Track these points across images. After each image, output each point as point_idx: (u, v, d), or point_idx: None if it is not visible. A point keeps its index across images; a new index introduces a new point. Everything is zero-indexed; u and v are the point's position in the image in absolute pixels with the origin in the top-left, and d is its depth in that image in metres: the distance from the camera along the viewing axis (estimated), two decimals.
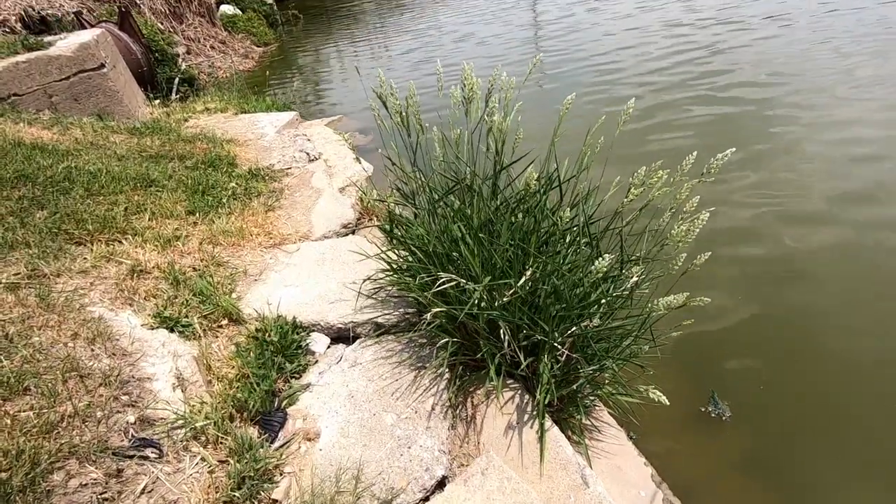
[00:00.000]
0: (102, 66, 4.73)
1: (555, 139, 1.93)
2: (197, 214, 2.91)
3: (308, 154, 4.10)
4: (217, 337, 2.12)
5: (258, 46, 13.22)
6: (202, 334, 2.09)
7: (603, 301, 1.62)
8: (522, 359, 1.65)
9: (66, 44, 4.58)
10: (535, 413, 1.72)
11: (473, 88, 1.75)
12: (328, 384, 1.91)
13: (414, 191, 2.14)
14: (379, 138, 6.34)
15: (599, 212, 1.98)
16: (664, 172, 1.49)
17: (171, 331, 2.03)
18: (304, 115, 7.19)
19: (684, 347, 2.51)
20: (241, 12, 14.66)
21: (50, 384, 1.48)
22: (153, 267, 2.31)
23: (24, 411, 1.38)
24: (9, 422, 1.33)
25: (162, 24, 10.39)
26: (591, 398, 1.89)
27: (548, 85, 6.81)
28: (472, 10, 12.96)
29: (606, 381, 1.78)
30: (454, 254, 1.78)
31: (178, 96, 9.21)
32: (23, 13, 8.42)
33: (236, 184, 3.48)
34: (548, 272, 1.65)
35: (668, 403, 1.32)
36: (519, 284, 1.58)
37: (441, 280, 1.59)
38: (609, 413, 2.03)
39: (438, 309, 1.61)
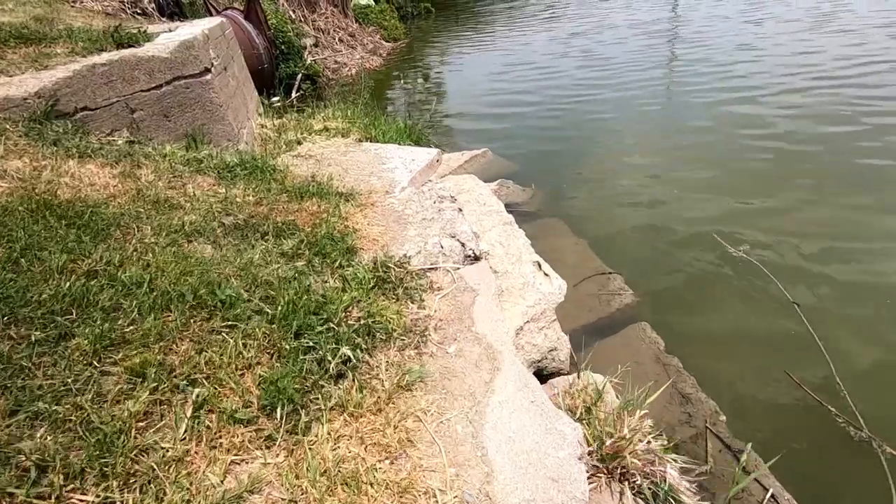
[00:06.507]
0: (207, 70, 3.61)
1: None
2: (279, 411, 1.52)
3: (463, 244, 2.62)
4: None
5: (387, 41, 12.21)
6: None
7: None
8: None
9: (165, 40, 3.50)
10: None
11: None
12: None
13: None
14: (543, 195, 4.81)
15: None
16: None
17: None
18: (439, 142, 5.81)
19: None
20: (374, 3, 13.79)
21: None
22: None
23: None
24: None
25: (294, 12, 9.61)
26: None
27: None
28: (605, 17, 10.85)
29: None
30: None
31: (297, 94, 8.32)
32: None
33: (353, 306, 2.08)
34: None
35: None
36: None
37: None
38: None
39: None
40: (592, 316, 2.75)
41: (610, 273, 3.06)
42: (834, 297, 2.72)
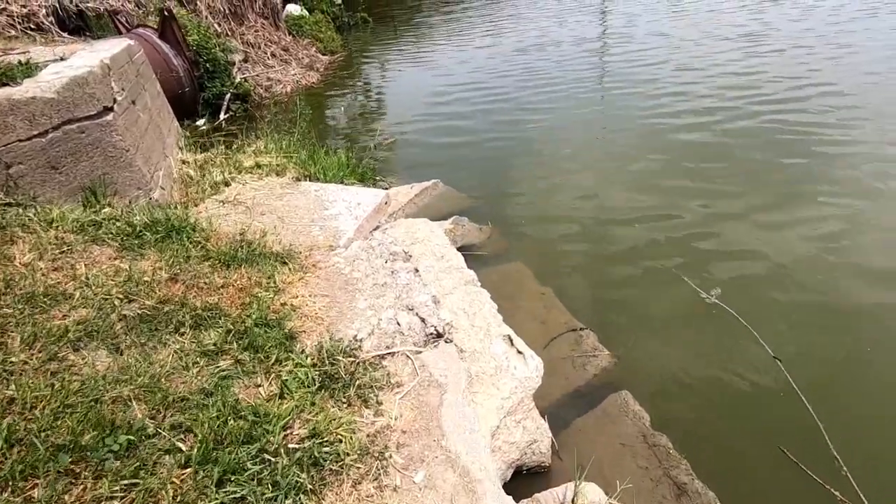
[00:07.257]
0: (107, 109, 3.06)
1: None
2: None
3: (423, 319, 2.27)
4: None
5: (324, 55, 11.64)
6: None
7: None
8: None
9: (52, 75, 2.92)
10: None
11: None
12: None
13: None
14: (500, 234, 4.53)
15: None
16: None
17: None
18: (384, 170, 5.43)
19: None
20: (308, 13, 13.18)
21: None
22: None
23: None
24: None
25: (219, 25, 8.89)
26: None
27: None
28: (546, 33, 10.88)
29: None
30: None
31: (227, 116, 7.66)
32: (56, 4, 7.05)
33: (294, 420, 1.70)
34: None
35: None
36: None
37: None
38: None
39: None
40: (568, 385, 2.49)
41: (581, 329, 2.82)
42: (817, 348, 2.61)
